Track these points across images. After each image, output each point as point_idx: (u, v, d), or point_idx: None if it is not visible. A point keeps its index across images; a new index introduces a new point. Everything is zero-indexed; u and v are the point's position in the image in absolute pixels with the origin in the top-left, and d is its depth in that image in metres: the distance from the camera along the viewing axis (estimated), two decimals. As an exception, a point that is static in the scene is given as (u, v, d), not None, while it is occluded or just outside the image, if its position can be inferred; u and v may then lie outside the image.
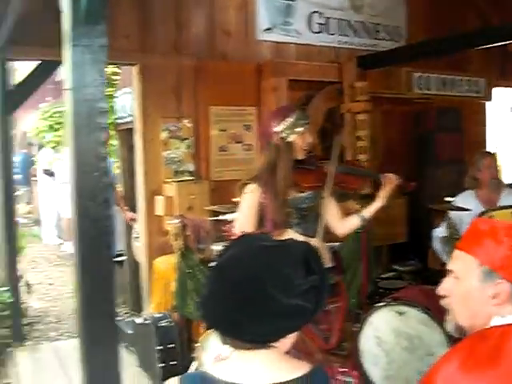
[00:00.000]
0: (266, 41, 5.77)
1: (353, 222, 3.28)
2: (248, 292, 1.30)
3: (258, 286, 1.30)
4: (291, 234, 3.01)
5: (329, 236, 3.24)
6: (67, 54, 1.99)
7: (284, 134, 3.02)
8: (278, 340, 1.34)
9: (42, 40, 4.84)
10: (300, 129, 3.05)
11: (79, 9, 1.91)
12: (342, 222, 3.29)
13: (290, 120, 3.04)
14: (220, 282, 1.37)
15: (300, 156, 3.09)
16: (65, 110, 6.86)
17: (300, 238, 2.87)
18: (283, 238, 1.51)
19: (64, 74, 2.03)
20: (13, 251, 5.43)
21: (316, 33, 6.07)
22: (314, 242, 2.87)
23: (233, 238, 2.80)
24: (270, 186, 3.00)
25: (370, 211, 3.23)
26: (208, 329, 3.95)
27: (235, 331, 1.33)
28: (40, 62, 5.43)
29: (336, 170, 3.12)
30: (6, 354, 5.27)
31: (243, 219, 3.09)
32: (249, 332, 1.31)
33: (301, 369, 1.35)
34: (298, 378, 1.32)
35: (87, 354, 2.10)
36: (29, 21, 4.34)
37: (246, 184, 3.10)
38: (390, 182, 3.17)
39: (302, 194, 3.11)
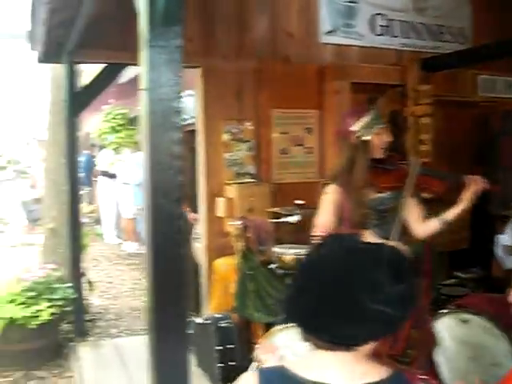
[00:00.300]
0: (328, 43, 5.75)
1: (433, 225, 3.16)
2: (334, 293, 1.29)
3: (345, 288, 1.29)
4: (369, 236, 2.98)
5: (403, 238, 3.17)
6: (143, 54, 2.03)
7: (360, 133, 3.02)
8: (361, 345, 1.32)
9: (108, 43, 4.97)
10: (376, 128, 3.03)
11: (156, 10, 1.95)
12: (422, 224, 3.20)
13: (365, 119, 3.03)
14: (307, 281, 1.35)
15: (378, 155, 3.07)
16: (124, 112, 7.00)
17: (378, 239, 2.84)
18: (373, 241, 1.49)
19: (140, 74, 2.07)
20: (77, 249, 5.55)
21: (379, 35, 6.00)
22: (394, 244, 2.83)
23: (317, 238, 2.81)
24: (346, 185, 3.02)
25: (452, 214, 3.09)
26: (267, 330, 3.98)
27: (319, 331, 1.32)
28: (106, 64, 5.56)
29: (417, 170, 3.08)
30: (69, 348, 5.41)
31: (322, 219, 3.10)
32: (332, 333, 1.29)
33: (380, 372, 1.33)
34: (377, 382, 1.30)
35: (157, 351, 2.11)
36: (96, 25, 4.44)
37: (327, 184, 3.11)
38: (476, 183, 3.04)
39: (382, 195, 3.08)
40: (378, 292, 1.27)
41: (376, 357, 1.37)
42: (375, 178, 3.04)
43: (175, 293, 2.06)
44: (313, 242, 2.76)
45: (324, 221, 3.06)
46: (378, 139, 3.05)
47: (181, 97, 2.00)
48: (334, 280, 1.30)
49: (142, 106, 2.06)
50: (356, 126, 3.03)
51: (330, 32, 5.74)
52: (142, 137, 2.13)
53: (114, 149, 9.84)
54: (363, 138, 3.03)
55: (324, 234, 2.83)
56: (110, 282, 7.91)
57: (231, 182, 5.20)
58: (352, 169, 3.02)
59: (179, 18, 1.96)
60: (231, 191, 5.13)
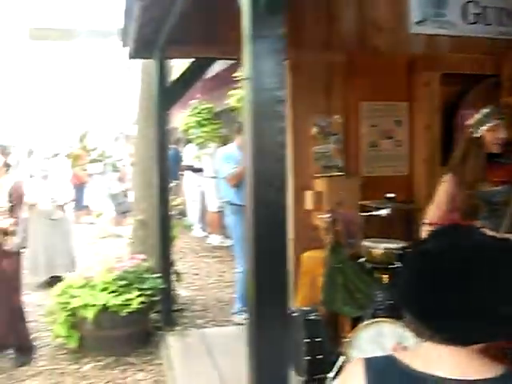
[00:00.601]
0: (418, 34, 5.60)
1: None
2: (458, 288, 1.23)
3: (470, 284, 1.22)
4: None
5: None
6: (246, 44, 2.05)
7: (473, 129, 3.05)
8: (479, 343, 1.26)
9: (197, 38, 5.05)
10: (489, 124, 3.03)
11: (259, 0, 1.96)
12: None
13: (479, 115, 3.04)
14: (429, 272, 1.28)
15: (494, 150, 3.08)
16: (210, 107, 7.07)
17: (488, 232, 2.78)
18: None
19: (243, 63, 2.09)
20: (166, 240, 5.67)
21: (471, 24, 5.78)
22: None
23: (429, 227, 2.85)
24: (459, 176, 3.08)
25: None
26: (354, 324, 3.94)
27: (435, 325, 1.26)
28: (194, 59, 5.65)
29: None
30: (158, 336, 5.54)
31: (435, 207, 3.19)
32: (450, 329, 1.24)
33: (494, 369, 1.26)
34: (491, 379, 1.24)
35: (258, 340, 2.12)
36: (186, 20, 4.51)
37: (444, 173, 3.18)
38: None
39: (495, 188, 3.08)
40: (506, 291, 1.21)
41: (489, 352, 1.31)
42: (489, 171, 3.08)
43: (277, 280, 2.05)
44: (426, 232, 2.80)
45: (434, 210, 3.12)
46: (491, 135, 3.08)
47: (284, 86, 2.00)
48: (460, 274, 1.24)
49: (244, 96, 2.07)
50: (470, 121, 3.07)
51: (420, 22, 5.58)
52: (244, 126, 2.14)
53: (200, 143, 9.97)
54: (476, 134, 3.05)
55: (437, 224, 2.85)
56: (197, 274, 8.06)
57: (319, 175, 5.17)
58: (465, 162, 3.06)
59: (281, 8, 1.96)
60: (320, 184, 5.10)
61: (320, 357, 4.17)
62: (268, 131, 2.01)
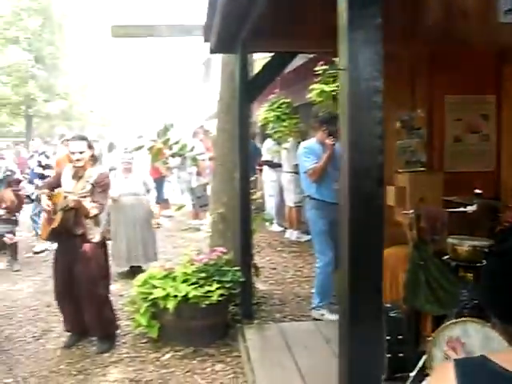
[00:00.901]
0: (507, 23, 5.38)
1: None
2: None
3: None
4: None
5: None
6: (342, 34, 2.02)
7: None
8: None
9: (279, 32, 5.04)
10: None
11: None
12: None
13: None
14: (508, 274, 1.25)
15: None
16: (289, 101, 7.02)
17: None
18: None
19: (339, 54, 2.06)
20: (247, 234, 5.70)
21: None
22: None
23: None
24: None
25: None
26: (437, 323, 3.84)
27: None
28: (275, 53, 5.65)
29: None
30: (236, 329, 5.59)
31: None
32: None
33: None
34: None
35: (351, 330, 2.08)
36: (268, 14, 4.51)
37: None
38: None
39: None
40: None
41: None
42: None
43: (372, 282, 2.01)
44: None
45: None
46: None
47: (381, 76, 1.96)
48: None
49: (341, 86, 2.05)
50: None
51: (509, 10, 5.36)
52: (340, 117, 2.11)
53: (278, 138, 9.98)
54: None
55: None
56: (274, 269, 8.08)
57: (402, 170, 5.07)
58: None
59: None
60: (402, 180, 5.00)
61: (401, 355, 4.10)
62: (365, 123, 1.97)
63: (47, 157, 11.03)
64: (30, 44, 29.43)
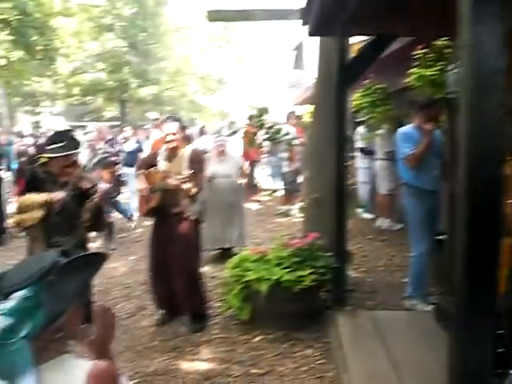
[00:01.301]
0: None
1: None
2: None
3: None
4: None
5: None
6: (464, 9, 1.92)
7: None
8: None
9: (379, 15, 4.91)
10: None
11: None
12: None
13: None
14: None
15: None
16: (384, 87, 6.82)
17: None
18: None
19: (460, 31, 1.97)
20: (341, 220, 5.59)
21: None
22: None
23: None
24: None
25: None
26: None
27: None
28: (374, 37, 5.52)
29: None
30: (327, 315, 5.56)
31: None
32: None
33: None
34: None
35: (464, 324, 2.01)
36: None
37: None
38: None
39: None
40: None
41: None
42: None
43: (489, 281, 1.93)
44: None
45: None
46: None
47: (504, 55, 1.87)
48: None
49: (461, 65, 1.96)
50: None
51: None
52: (460, 97, 2.03)
53: (372, 124, 9.78)
54: None
55: None
56: (365, 256, 7.97)
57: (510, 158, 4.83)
58: None
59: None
60: (509, 168, 4.77)
61: (501, 350, 3.95)
62: (488, 104, 1.88)
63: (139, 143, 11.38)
64: (125, 31, 30.36)
